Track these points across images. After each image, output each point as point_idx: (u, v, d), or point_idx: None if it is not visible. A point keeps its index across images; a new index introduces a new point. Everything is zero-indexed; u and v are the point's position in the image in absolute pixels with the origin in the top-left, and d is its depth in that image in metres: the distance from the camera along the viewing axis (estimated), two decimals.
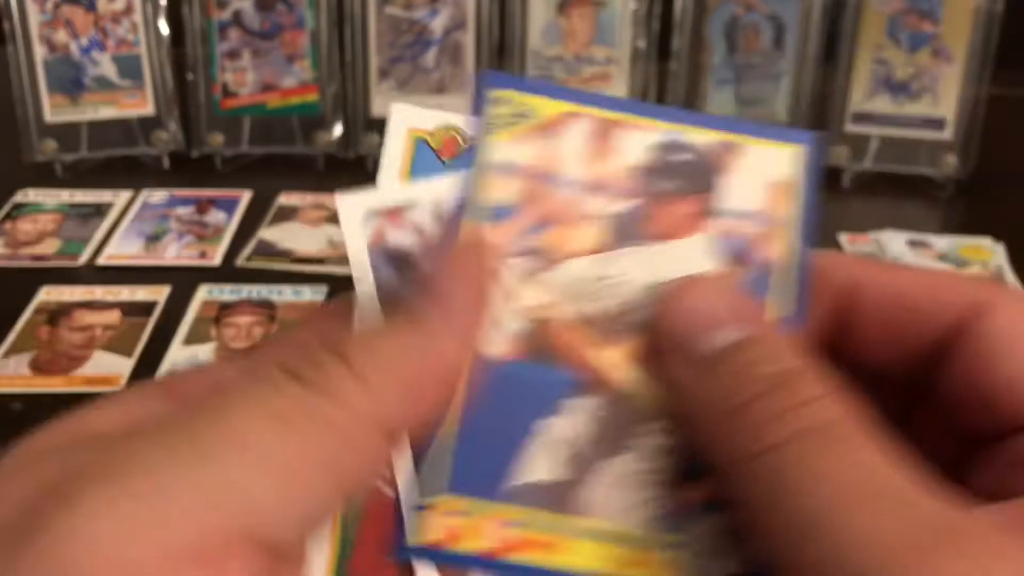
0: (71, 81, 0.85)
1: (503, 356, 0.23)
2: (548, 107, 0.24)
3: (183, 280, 0.72)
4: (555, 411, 0.22)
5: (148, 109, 0.87)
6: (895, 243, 0.77)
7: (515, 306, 0.23)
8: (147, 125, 0.87)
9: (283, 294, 0.70)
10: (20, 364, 0.63)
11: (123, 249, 0.76)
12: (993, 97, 0.85)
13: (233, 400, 0.19)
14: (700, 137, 0.24)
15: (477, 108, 0.24)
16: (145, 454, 0.17)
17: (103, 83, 0.86)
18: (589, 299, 0.23)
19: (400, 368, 0.20)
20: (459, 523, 0.21)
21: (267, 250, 0.76)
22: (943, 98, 0.84)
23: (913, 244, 0.77)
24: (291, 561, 0.20)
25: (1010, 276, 0.73)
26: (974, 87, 0.83)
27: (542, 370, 0.23)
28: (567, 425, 0.22)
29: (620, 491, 0.22)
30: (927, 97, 0.84)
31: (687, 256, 0.23)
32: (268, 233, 0.78)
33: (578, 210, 0.23)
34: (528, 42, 0.85)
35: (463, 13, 0.85)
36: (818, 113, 0.86)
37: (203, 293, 0.70)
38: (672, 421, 0.22)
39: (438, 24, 0.85)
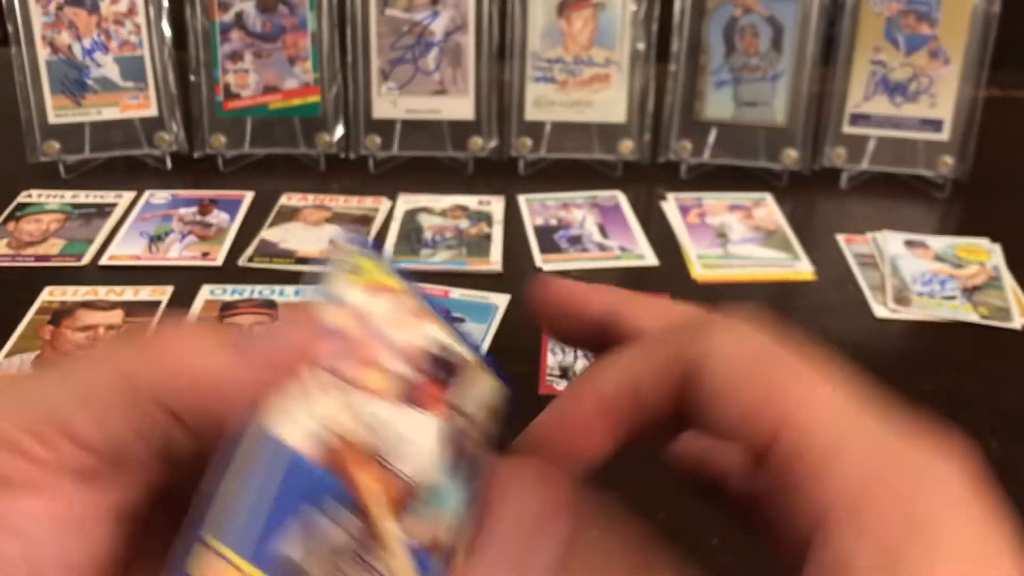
0: (74, 82, 0.86)
1: (292, 441, 0.26)
2: (385, 278, 0.29)
3: (186, 280, 0.72)
4: (320, 507, 0.26)
5: (151, 110, 0.87)
6: (893, 243, 0.77)
7: (309, 407, 0.26)
8: (150, 126, 0.88)
9: (285, 294, 0.70)
10: (24, 364, 0.63)
11: (126, 249, 0.77)
12: (990, 98, 0.85)
13: (96, 352, 0.24)
14: (462, 352, 0.30)
15: (336, 254, 0.29)
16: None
17: (106, 84, 0.86)
18: (359, 427, 0.27)
19: (184, 360, 0.24)
20: (223, 570, 0.24)
21: (269, 250, 0.76)
22: (940, 99, 0.84)
23: (910, 244, 0.77)
24: (113, 468, 0.24)
25: (1007, 277, 0.73)
26: (971, 88, 0.84)
27: (318, 469, 0.26)
28: (326, 524, 0.26)
29: None
30: (924, 98, 0.85)
31: (426, 429, 0.29)
32: (270, 233, 0.79)
33: (378, 357, 0.28)
34: (528, 44, 0.86)
35: (464, 15, 0.85)
36: (816, 114, 0.87)
37: (206, 293, 0.71)
38: (385, 551, 0.26)
39: (439, 26, 0.86)
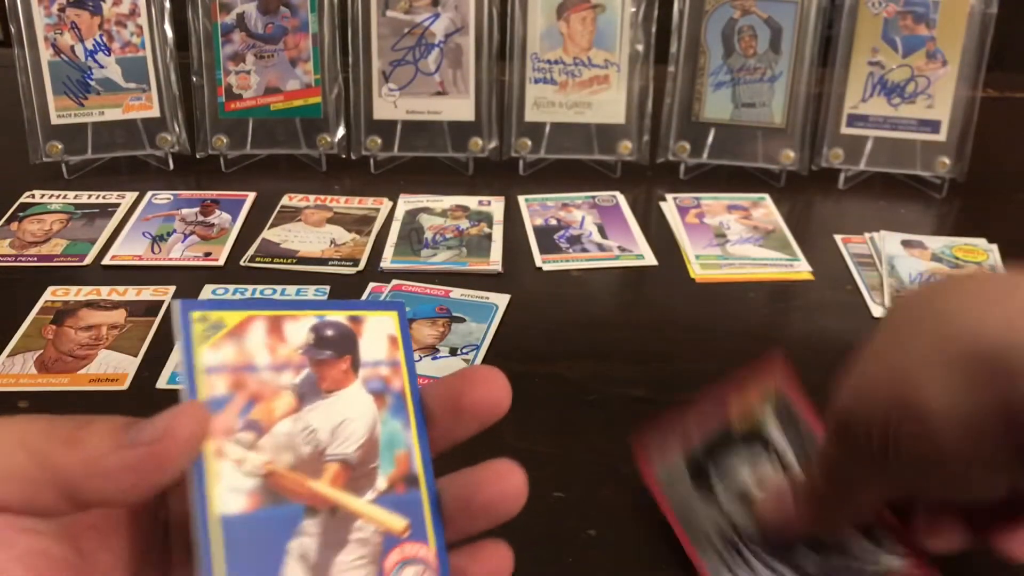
0: (76, 83, 0.86)
1: (247, 509, 0.31)
2: (232, 317, 0.32)
3: (188, 280, 0.73)
4: (297, 534, 0.31)
5: (153, 111, 0.88)
6: (890, 243, 0.78)
7: (245, 469, 0.31)
8: (152, 127, 0.88)
9: (286, 294, 0.71)
10: (26, 363, 0.64)
11: (128, 249, 0.77)
12: (987, 99, 0.86)
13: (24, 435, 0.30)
14: (336, 316, 0.34)
15: (183, 329, 0.32)
16: None
17: (108, 86, 0.87)
18: (296, 448, 0.32)
19: (90, 451, 0.29)
20: None
21: (271, 250, 0.77)
22: (938, 100, 0.85)
23: (907, 244, 0.78)
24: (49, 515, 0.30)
25: None
26: (968, 89, 0.84)
27: (278, 509, 0.31)
28: (308, 540, 0.31)
29: (351, 573, 0.32)
30: (922, 99, 0.85)
31: (350, 400, 0.34)
32: (272, 234, 0.79)
33: (272, 386, 0.32)
34: (528, 45, 0.86)
35: (464, 17, 0.86)
36: (814, 115, 0.87)
37: (208, 293, 0.71)
38: (366, 520, 0.33)
39: (439, 28, 0.86)
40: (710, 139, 0.88)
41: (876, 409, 0.37)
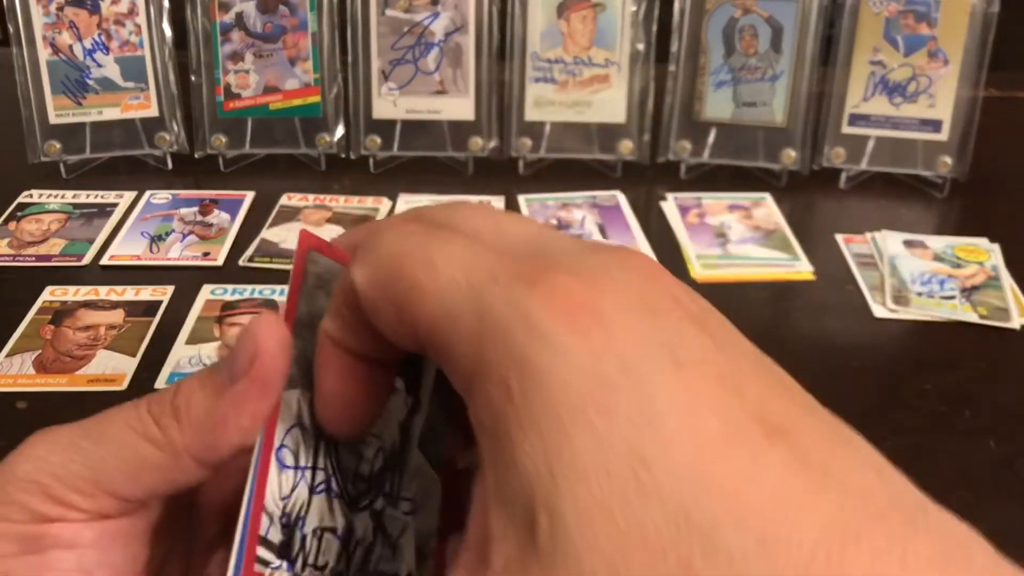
0: (75, 83, 0.86)
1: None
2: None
3: (186, 280, 0.73)
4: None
5: (152, 111, 0.88)
6: (892, 243, 0.77)
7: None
8: (150, 126, 0.88)
9: (285, 294, 0.70)
10: (24, 363, 0.64)
11: (127, 249, 0.77)
12: (988, 98, 0.86)
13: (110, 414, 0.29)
14: None
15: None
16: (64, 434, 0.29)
17: (107, 85, 0.87)
18: None
19: (192, 412, 0.27)
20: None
21: (269, 250, 0.77)
22: (939, 100, 0.84)
23: (909, 244, 0.77)
24: (131, 510, 0.29)
25: (1006, 276, 0.74)
26: (970, 89, 0.84)
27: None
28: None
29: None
30: (923, 99, 0.85)
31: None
32: (271, 233, 0.79)
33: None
34: (528, 44, 0.86)
35: (464, 16, 0.85)
36: (815, 114, 0.87)
37: (206, 293, 0.71)
38: None
39: (439, 27, 0.86)
40: (711, 139, 0.88)
41: None
